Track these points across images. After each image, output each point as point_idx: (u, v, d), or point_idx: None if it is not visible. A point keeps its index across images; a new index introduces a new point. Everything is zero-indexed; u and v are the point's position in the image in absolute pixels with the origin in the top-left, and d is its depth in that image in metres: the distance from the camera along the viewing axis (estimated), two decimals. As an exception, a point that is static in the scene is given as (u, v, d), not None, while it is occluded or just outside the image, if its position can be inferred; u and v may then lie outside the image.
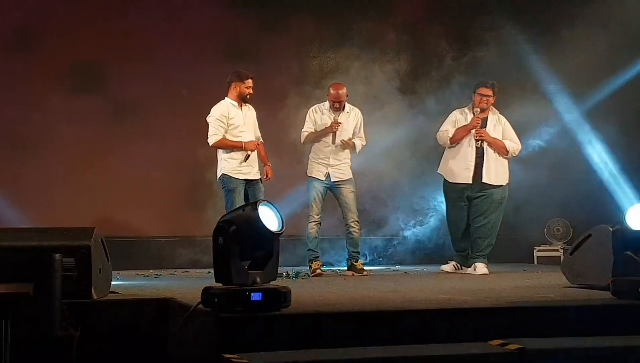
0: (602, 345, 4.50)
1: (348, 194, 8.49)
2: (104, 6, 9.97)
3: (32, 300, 4.15)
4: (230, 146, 8.19)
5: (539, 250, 10.47)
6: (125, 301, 5.57)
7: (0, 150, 9.59)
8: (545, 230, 10.51)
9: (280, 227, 4.65)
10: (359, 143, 8.55)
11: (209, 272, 8.46)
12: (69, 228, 5.67)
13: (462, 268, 8.54)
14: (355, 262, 8.44)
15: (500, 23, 10.20)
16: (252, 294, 4.48)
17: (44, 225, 9.01)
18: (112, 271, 5.94)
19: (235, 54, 10.19)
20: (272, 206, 4.72)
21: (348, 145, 8.45)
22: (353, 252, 8.48)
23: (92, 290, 5.27)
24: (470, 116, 8.49)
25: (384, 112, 9.46)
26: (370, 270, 8.71)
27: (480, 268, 8.35)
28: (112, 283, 5.89)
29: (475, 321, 4.78)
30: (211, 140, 8.21)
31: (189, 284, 6.89)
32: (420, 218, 10.25)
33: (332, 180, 8.47)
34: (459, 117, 8.56)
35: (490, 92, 8.45)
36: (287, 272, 8.16)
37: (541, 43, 10.22)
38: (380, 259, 10.28)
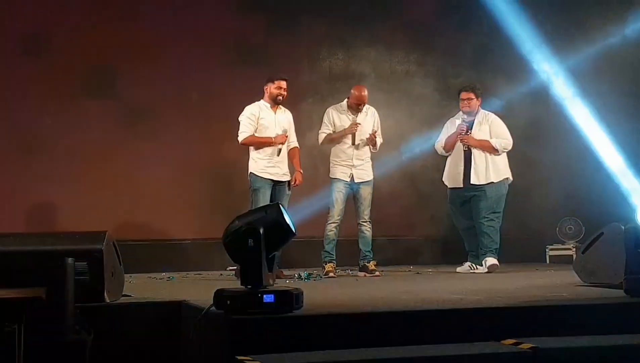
0: (615, 344, 4.49)
1: (367, 196, 8.52)
2: (114, 10, 9.97)
3: (44, 304, 4.16)
4: (259, 142, 8.25)
5: (551, 249, 10.43)
6: (138, 304, 5.58)
7: (12, 154, 9.60)
8: (557, 228, 10.47)
9: (295, 229, 4.73)
10: (378, 140, 8.58)
11: (221, 274, 8.54)
12: (81, 232, 5.70)
13: (477, 268, 8.55)
14: (367, 263, 8.43)
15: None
16: (265, 296, 4.49)
17: (56, 229, 9.10)
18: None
19: (245, 57, 10.18)
20: (285, 210, 4.78)
21: (374, 139, 8.48)
22: (365, 252, 8.48)
23: (105, 294, 5.29)
24: (458, 123, 8.67)
25: (396, 111, 9.44)
26: (383, 270, 8.70)
27: (490, 260, 8.41)
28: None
29: (488, 321, 4.78)
30: (240, 137, 8.29)
31: (201, 286, 6.89)
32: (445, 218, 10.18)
33: (356, 181, 8.49)
34: (449, 126, 8.78)
35: (470, 95, 8.64)
36: (299, 273, 8.16)
37: (556, 36, 10.17)
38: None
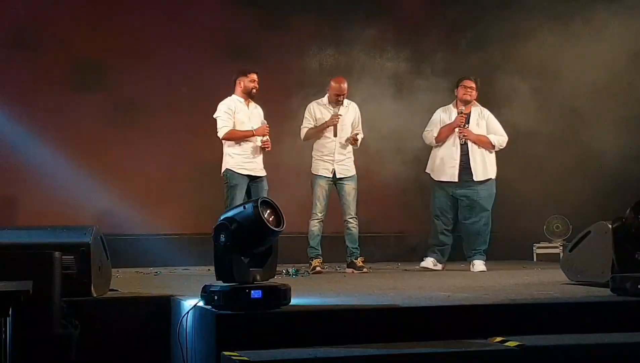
0: (601, 342, 4.50)
1: (350, 191, 8.50)
2: (106, 4, 9.95)
3: (31, 298, 4.14)
4: (241, 136, 8.18)
5: (538, 247, 10.45)
6: (125, 299, 5.56)
7: (1, 148, 9.57)
8: (544, 227, 10.49)
9: (281, 224, 4.67)
10: (359, 137, 8.56)
11: (209, 270, 8.52)
12: (69, 226, 5.68)
13: (438, 264, 8.48)
14: (355, 259, 8.43)
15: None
16: (252, 292, 4.49)
17: (43, 223, 9.04)
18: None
19: (236, 53, 10.16)
20: (272, 203, 4.73)
21: (355, 140, 8.46)
22: (353, 248, 8.47)
23: (92, 288, 5.28)
24: (454, 113, 8.53)
25: (384, 109, 9.43)
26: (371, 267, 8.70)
27: (478, 265, 8.35)
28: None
29: (475, 318, 4.79)
30: (221, 132, 8.19)
31: (189, 282, 6.89)
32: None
33: (338, 176, 8.48)
34: (443, 116, 8.60)
35: (473, 85, 8.51)
36: (287, 269, 8.15)
37: (547, 34, 10.15)
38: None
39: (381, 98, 9.43)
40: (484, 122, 8.55)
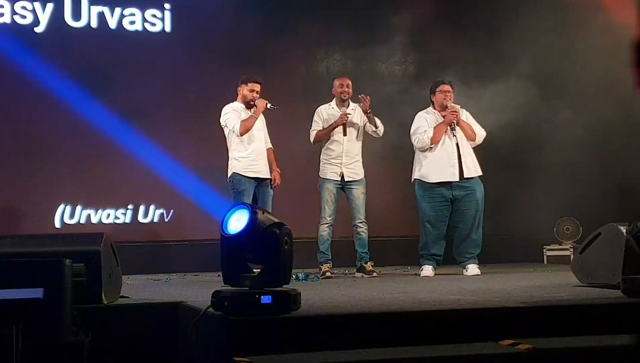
0: (613, 344, 4.49)
1: (359, 195, 8.49)
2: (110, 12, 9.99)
3: (42, 305, 4.15)
4: (251, 123, 8.03)
5: (548, 249, 10.43)
6: (136, 305, 5.57)
7: (8, 155, 9.60)
8: (554, 229, 10.48)
9: (240, 229, 4.64)
10: (379, 123, 8.48)
11: (219, 275, 8.52)
12: (79, 233, 5.71)
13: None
14: (365, 264, 8.43)
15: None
16: (262, 297, 4.49)
17: (53, 231, 9.07)
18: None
19: (242, 59, 10.17)
20: (244, 208, 4.70)
21: (366, 105, 8.33)
22: (362, 253, 8.46)
23: (102, 295, 5.28)
24: (438, 117, 8.36)
25: (392, 113, 9.43)
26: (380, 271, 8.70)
27: (472, 269, 8.20)
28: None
29: (486, 321, 4.78)
30: (236, 129, 8.02)
31: (199, 288, 6.89)
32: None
33: (346, 180, 8.47)
34: (429, 118, 8.41)
35: (450, 88, 8.39)
36: (297, 274, 8.14)
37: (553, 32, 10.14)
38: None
39: (388, 102, 9.43)
40: (464, 118, 8.39)
